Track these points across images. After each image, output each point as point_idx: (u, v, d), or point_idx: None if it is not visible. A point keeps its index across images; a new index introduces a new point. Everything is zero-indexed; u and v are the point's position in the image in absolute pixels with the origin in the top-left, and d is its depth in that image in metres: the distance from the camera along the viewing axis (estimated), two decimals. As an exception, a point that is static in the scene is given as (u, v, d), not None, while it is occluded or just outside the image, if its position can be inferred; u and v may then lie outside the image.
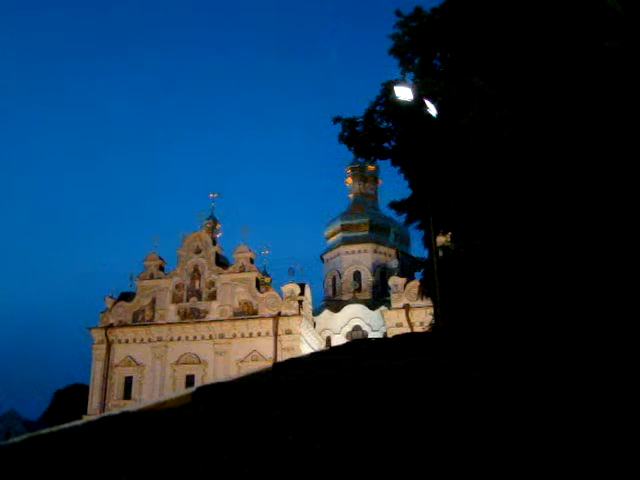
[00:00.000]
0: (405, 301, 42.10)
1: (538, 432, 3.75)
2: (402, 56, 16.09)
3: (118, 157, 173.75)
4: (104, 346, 42.65)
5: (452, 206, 14.00)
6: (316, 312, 47.32)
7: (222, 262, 44.48)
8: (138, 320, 43.19)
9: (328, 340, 45.65)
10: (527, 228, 11.86)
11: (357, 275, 50.95)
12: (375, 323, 45.22)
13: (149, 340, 42.31)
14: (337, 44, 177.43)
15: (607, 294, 9.44)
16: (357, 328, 46.18)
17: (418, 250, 33.64)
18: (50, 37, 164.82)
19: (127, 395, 41.17)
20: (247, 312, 41.66)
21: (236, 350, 40.48)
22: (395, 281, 43.52)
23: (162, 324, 42.28)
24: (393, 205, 17.63)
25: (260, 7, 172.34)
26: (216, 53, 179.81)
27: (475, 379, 5.37)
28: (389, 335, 37.02)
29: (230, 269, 43.19)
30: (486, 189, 12.86)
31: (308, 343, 41.66)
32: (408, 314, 41.46)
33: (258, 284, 42.75)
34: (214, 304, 42.25)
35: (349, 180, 57.65)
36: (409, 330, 38.53)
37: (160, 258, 45.00)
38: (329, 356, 10.73)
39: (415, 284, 35.04)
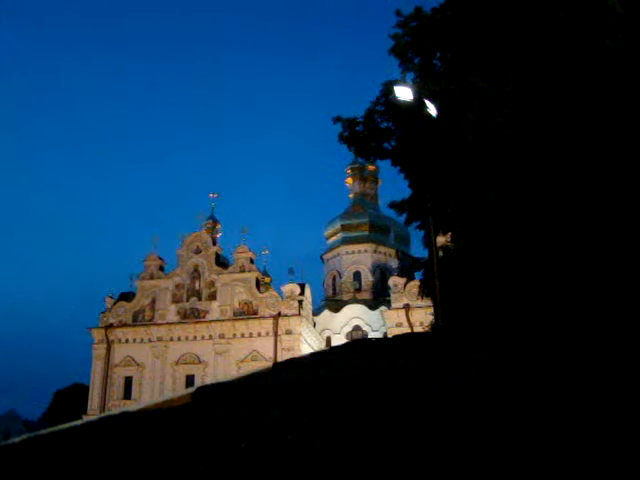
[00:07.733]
0: (405, 301, 42.12)
1: (537, 432, 3.75)
2: (402, 56, 16.04)
3: (119, 157, 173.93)
4: (104, 346, 42.68)
5: (452, 206, 13.99)
6: (316, 312, 47.34)
7: (222, 262, 44.51)
8: (138, 320, 43.21)
9: (328, 340, 45.66)
10: (528, 227, 11.86)
11: (357, 275, 50.98)
12: (375, 323, 45.25)
13: (149, 340, 42.33)
14: (337, 44, 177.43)
15: (609, 294, 9.43)
16: (357, 328, 46.20)
17: (418, 250, 33.75)
18: (57, 39, 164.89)
19: (127, 395, 41.20)
20: (247, 312, 41.68)
21: (236, 350, 40.50)
22: (395, 281, 43.55)
23: (162, 324, 42.30)
24: (393, 205, 17.59)
25: (260, 7, 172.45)
26: (216, 54, 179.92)
27: (474, 378, 5.37)
28: (389, 335, 37.05)
29: (230, 269, 43.22)
30: (487, 188, 12.86)
31: (308, 343, 41.68)
32: (408, 314, 41.49)
33: (258, 284, 42.76)
34: (214, 304, 42.26)
35: (349, 180, 57.69)
36: (409, 330, 38.55)
37: (160, 258, 45.03)
38: (329, 356, 10.73)
39: (415, 284, 35.03)
